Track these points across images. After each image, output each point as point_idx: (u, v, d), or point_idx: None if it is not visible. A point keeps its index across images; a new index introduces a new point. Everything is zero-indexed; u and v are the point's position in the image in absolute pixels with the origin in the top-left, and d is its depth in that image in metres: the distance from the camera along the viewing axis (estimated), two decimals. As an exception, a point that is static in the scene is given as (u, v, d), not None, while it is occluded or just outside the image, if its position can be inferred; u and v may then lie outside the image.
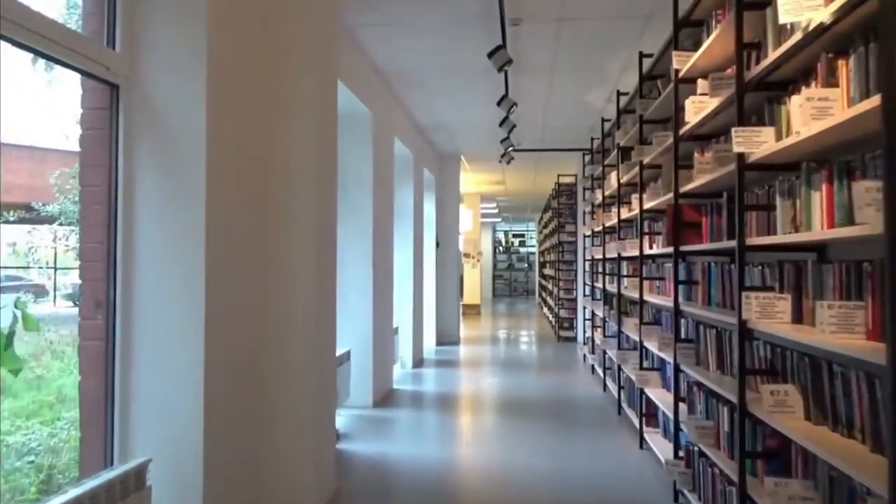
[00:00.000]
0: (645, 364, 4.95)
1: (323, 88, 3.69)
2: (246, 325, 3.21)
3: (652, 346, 4.36)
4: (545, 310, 16.07)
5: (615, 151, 5.99)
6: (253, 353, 3.29)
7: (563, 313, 11.21)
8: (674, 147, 3.70)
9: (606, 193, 6.59)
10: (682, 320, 3.81)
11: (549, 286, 14.57)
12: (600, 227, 7.01)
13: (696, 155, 3.54)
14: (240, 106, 3.13)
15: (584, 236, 8.89)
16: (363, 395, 5.89)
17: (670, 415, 3.89)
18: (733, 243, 2.80)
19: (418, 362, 8.55)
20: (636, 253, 4.98)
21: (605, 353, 6.73)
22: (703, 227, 3.56)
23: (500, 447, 4.88)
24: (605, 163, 6.75)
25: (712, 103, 3.16)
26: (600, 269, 7.53)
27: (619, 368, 5.72)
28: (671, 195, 3.76)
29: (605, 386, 6.76)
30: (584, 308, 8.78)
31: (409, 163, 8.19)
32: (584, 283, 8.89)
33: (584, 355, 8.72)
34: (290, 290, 3.41)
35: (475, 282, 17.00)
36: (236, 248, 3.11)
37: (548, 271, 15.29)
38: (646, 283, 4.88)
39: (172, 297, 2.74)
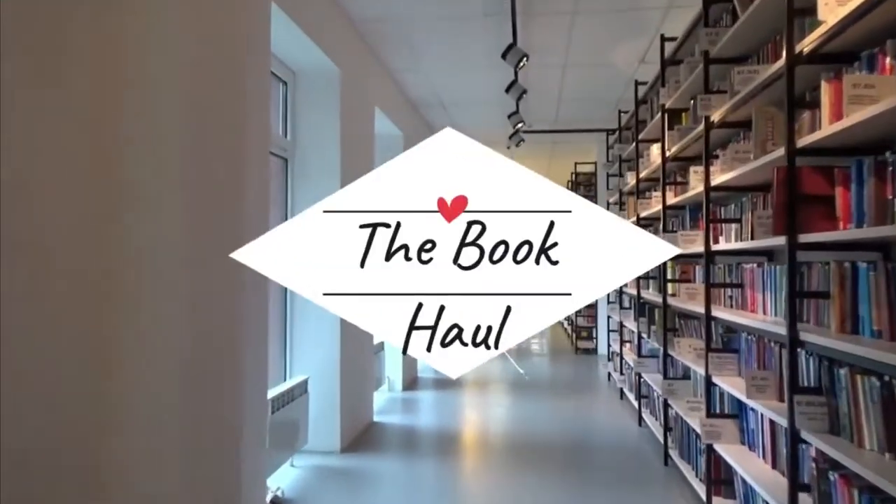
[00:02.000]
0: (699, 403, 3.56)
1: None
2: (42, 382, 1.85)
3: (733, 389, 2.96)
4: (559, 315, 14.63)
5: (657, 117, 4.58)
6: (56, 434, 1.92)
7: (580, 321, 9.80)
8: (786, 75, 2.30)
9: (643, 175, 5.19)
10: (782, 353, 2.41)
11: (564, 289, 13.15)
12: (633, 219, 5.60)
13: (824, 85, 2.14)
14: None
15: (608, 232, 7.49)
16: (327, 436, 4.51)
17: (771, 501, 2.49)
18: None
19: (411, 383, 7.17)
20: (698, 249, 3.58)
21: (640, 377, 5.33)
22: (838, 205, 2.16)
23: (506, 520, 3.49)
24: (641, 137, 5.34)
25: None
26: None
27: (666, 402, 4.32)
28: (778, 154, 2.37)
29: (640, 419, 5.35)
30: (609, 318, 7.39)
31: (399, 144, 6.81)
32: (608, 288, 7.50)
33: (609, 374, 7.31)
34: (127, 317, 2.05)
35: (482, 284, 15.58)
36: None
37: (562, 273, 13.87)
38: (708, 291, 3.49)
39: None
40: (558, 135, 8.91)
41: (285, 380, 4.43)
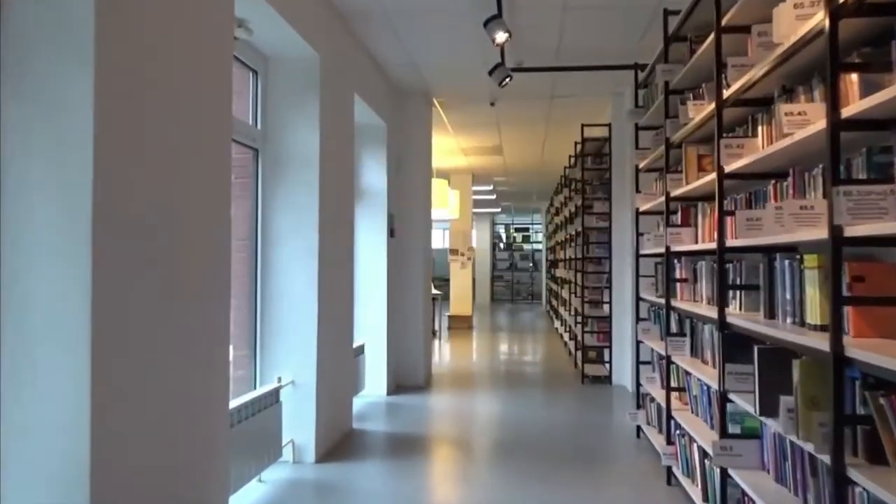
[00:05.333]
0: None
1: None
2: None
3: None
4: (556, 323, 12.20)
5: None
6: None
7: (587, 339, 7.33)
8: None
9: (740, 84, 2.68)
10: None
11: (563, 293, 10.69)
12: (687, 188, 3.18)
13: None
14: None
15: (637, 214, 5.00)
16: None
17: None
18: None
19: (338, 444, 4.66)
20: None
21: (725, 476, 2.84)
22: None
23: None
24: (730, 20, 2.83)
25: None
26: (683, 275, 3.72)
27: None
28: None
29: (723, 552, 2.87)
30: (639, 343, 4.90)
31: (313, 76, 4.28)
32: (637, 298, 5.01)
33: (639, 429, 4.83)
34: None
35: (465, 287, 13.11)
36: None
37: (560, 272, 11.40)
38: None
39: None
40: (560, 85, 6.44)
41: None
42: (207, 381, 2.71)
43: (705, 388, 3.41)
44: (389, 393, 6.31)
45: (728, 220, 2.92)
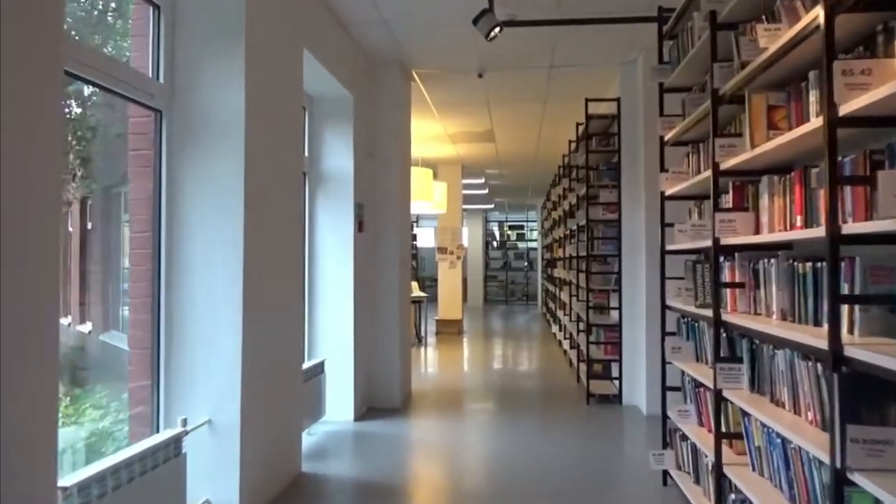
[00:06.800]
0: None
1: None
2: None
3: None
4: (554, 328, 11.15)
5: None
6: None
7: (593, 350, 6.27)
8: None
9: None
10: None
11: (562, 296, 9.63)
12: (752, 153, 2.12)
13: None
14: None
15: (662, 199, 3.94)
16: None
17: None
18: None
19: (277, 498, 3.59)
20: None
21: None
22: None
23: None
24: None
25: None
26: (736, 278, 2.67)
27: None
28: None
29: None
30: (666, 363, 3.81)
31: (236, 14, 3.21)
32: (662, 306, 3.95)
33: (667, 475, 3.77)
34: None
35: (454, 288, 12.03)
36: None
37: (559, 272, 10.34)
38: None
39: None
40: (560, 52, 5.41)
41: None
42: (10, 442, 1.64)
43: (778, 440, 2.37)
44: (358, 418, 5.25)
45: (837, 194, 1.87)
